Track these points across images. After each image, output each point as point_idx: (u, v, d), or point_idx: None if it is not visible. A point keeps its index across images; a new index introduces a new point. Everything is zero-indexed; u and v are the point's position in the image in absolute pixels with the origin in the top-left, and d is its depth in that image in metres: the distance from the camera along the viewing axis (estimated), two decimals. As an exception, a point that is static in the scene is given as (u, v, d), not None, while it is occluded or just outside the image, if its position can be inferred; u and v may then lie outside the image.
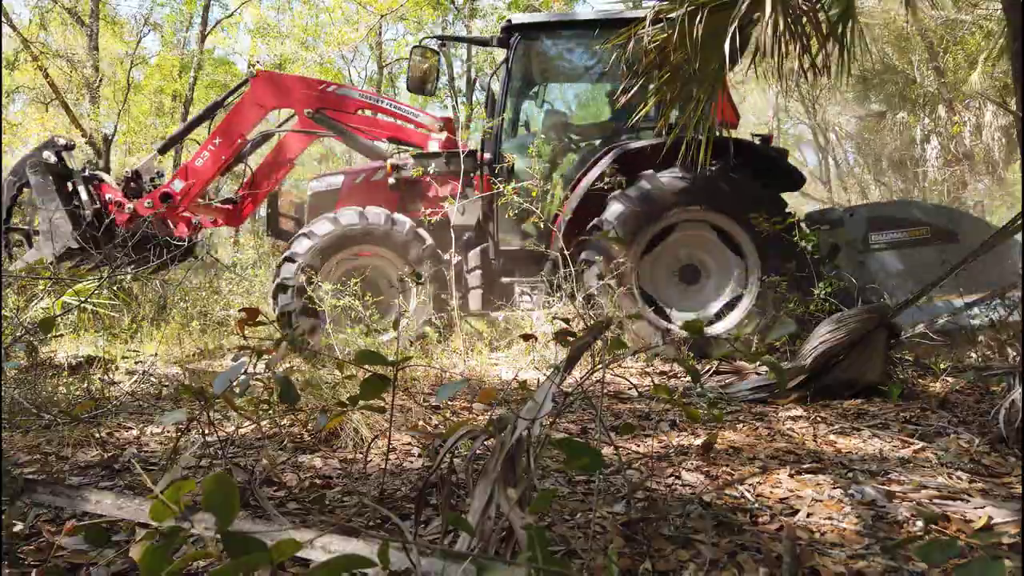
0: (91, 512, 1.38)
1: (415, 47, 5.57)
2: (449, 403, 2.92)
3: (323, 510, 1.64)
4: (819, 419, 2.57)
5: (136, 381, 3.69)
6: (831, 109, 15.48)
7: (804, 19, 3.24)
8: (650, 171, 4.75)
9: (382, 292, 5.24)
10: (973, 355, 3.74)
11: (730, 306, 4.87)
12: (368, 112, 5.98)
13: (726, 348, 1.48)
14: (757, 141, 5.10)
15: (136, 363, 4.02)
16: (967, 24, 11.62)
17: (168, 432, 2.51)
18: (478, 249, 5.27)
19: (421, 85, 5.56)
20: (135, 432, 2.54)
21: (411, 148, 5.84)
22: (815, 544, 1.40)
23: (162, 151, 6.43)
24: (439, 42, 5.76)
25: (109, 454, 2.17)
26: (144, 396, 3.34)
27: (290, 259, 4.99)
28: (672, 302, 4.88)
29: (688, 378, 2.74)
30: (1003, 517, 1.52)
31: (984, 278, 4.28)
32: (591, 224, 4.77)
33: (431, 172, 5.46)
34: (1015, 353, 3.25)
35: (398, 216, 5.18)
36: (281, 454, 2.16)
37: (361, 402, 1.45)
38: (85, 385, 3.24)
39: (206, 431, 2.00)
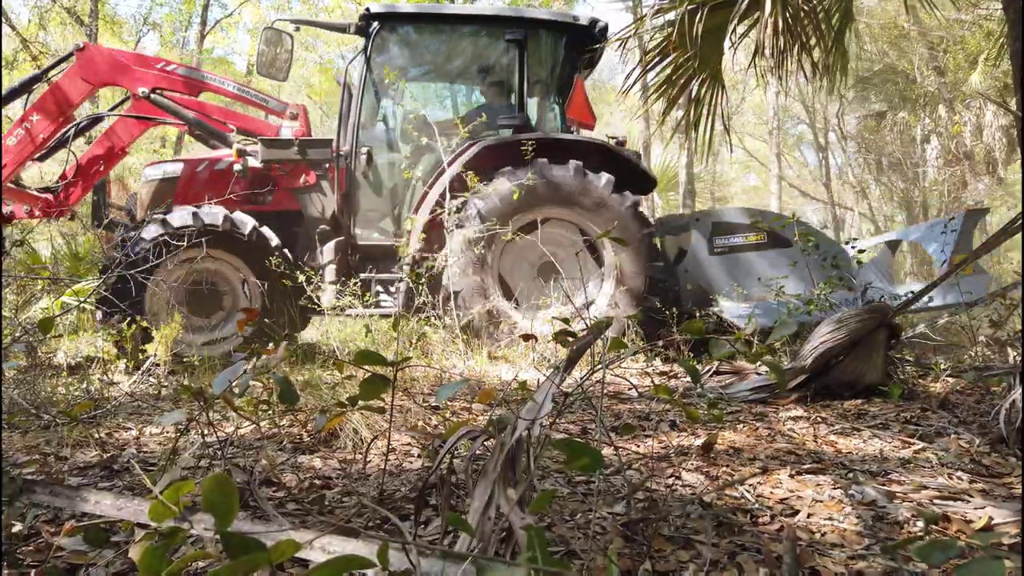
0: (90, 513, 1.38)
1: (265, 28, 5.27)
2: (449, 403, 2.92)
3: (322, 511, 1.64)
4: (819, 419, 2.57)
5: (135, 381, 3.69)
6: (831, 109, 15.51)
7: (804, 18, 3.23)
8: (508, 168, 4.75)
9: (220, 299, 4.93)
10: (971, 355, 3.74)
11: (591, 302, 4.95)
12: (213, 95, 5.54)
13: (726, 348, 1.47)
14: (613, 143, 5.15)
15: (135, 364, 4.01)
16: (967, 24, 11.62)
17: (167, 432, 2.51)
18: (332, 243, 5.00)
19: (272, 69, 5.26)
20: (134, 432, 2.53)
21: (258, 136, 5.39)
22: (815, 545, 1.40)
23: None
24: (293, 25, 5.44)
25: (108, 454, 2.17)
26: (143, 396, 3.34)
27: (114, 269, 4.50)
28: (531, 298, 4.88)
29: (688, 378, 2.74)
30: (1003, 517, 1.52)
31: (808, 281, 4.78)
32: (450, 223, 4.70)
33: (282, 161, 5.11)
34: (1015, 353, 3.24)
35: (266, 230, 4.82)
36: (280, 455, 2.15)
37: (360, 402, 1.45)
38: (84, 385, 3.24)
39: (205, 431, 2.00)
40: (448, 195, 4.75)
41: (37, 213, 5.55)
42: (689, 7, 3.33)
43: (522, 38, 5.19)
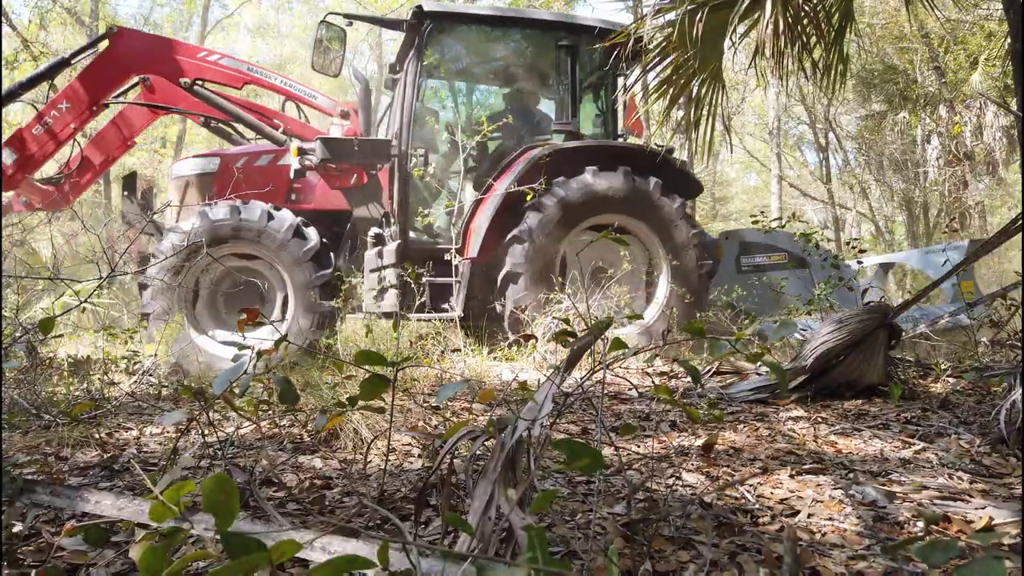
0: (91, 513, 1.38)
1: (322, 22, 5.09)
2: (449, 404, 2.92)
3: (323, 511, 1.64)
4: (820, 420, 2.57)
5: (136, 381, 3.69)
6: (831, 109, 15.51)
7: (804, 18, 3.23)
8: (591, 167, 4.81)
9: (262, 295, 4.82)
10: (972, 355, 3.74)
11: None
12: (257, 91, 5.42)
13: (726, 349, 1.48)
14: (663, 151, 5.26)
15: (136, 364, 4.01)
16: (968, 24, 11.61)
17: (168, 432, 2.51)
18: (394, 246, 4.86)
19: (325, 64, 5.14)
20: (135, 432, 2.54)
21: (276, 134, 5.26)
22: (816, 545, 1.40)
23: None
24: (346, 20, 5.28)
25: (109, 455, 2.17)
26: (144, 396, 3.34)
27: (154, 255, 4.53)
28: (579, 303, 4.93)
29: (689, 378, 2.74)
30: (1004, 518, 1.51)
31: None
32: (513, 233, 4.70)
33: (332, 161, 4.97)
34: (1015, 354, 3.24)
35: (280, 212, 4.67)
36: (281, 455, 2.15)
37: (361, 402, 1.45)
38: (85, 385, 3.24)
39: (206, 431, 2.00)
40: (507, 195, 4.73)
41: (37, 205, 5.26)
42: (689, 7, 3.32)
43: (575, 44, 5.20)
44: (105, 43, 5.03)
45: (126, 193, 5.35)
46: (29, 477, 1.74)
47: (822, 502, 1.65)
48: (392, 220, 5.04)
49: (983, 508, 1.58)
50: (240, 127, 5.65)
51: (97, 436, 2.35)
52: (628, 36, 3.67)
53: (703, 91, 3.69)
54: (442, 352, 4.32)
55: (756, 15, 3.28)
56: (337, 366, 3.17)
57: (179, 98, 5.19)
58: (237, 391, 1.60)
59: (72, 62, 5.20)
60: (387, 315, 4.86)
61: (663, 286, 5.01)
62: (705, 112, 3.74)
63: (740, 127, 19.32)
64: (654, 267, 5.10)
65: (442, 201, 5.21)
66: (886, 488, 1.72)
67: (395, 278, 4.80)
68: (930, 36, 12.38)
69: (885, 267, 6.13)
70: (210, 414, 1.91)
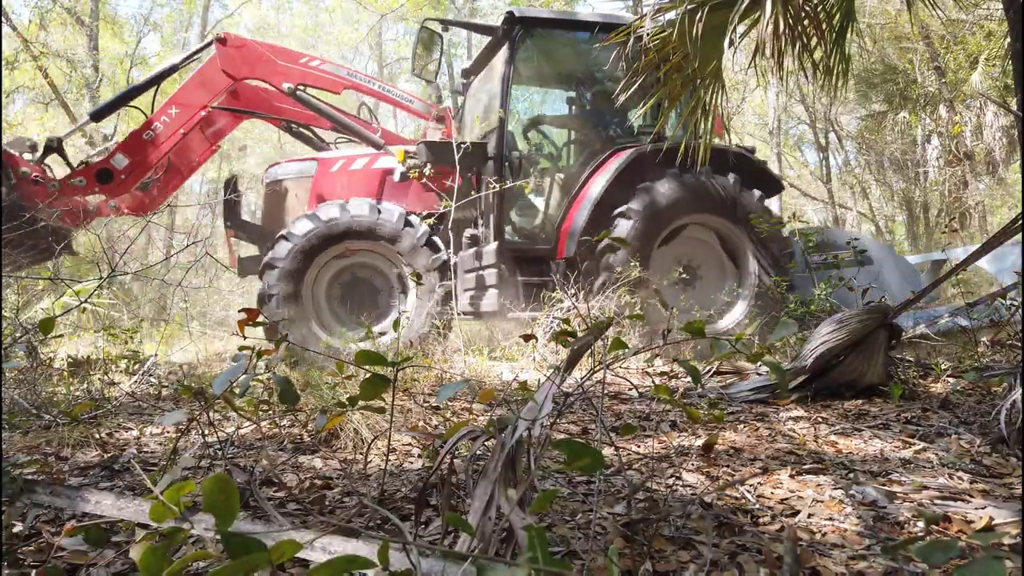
0: (91, 513, 1.38)
1: (423, 27, 5.21)
2: (449, 404, 2.92)
3: (323, 511, 1.64)
4: (820, 420, 2.57)
5: (136, 381, 3.69)
6: (832, 109, 15.50)
7: (805, 18, 3.23)
8: (677, 170, 4.89)
9: (378, 291, 4.99)
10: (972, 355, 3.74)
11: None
12: (357, 94, 5.53)
13: (727, 348, 1.50)
14: (743, 151, 5.35)
15: (136, 364, 4.02)
16: (968, 24, 11.61)
17: (168, 432, 2.51)
18: (494, 247, 4.93)
19: (425, 69, 5.26)
20: (135, 432, 2.54)
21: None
22: (816, 545, 1.40)
23: (96, 117, 5.33)
24: (442, 25, 5.43)
25: (109, 455, 2.17)
26: (144, 396, 3.34)
27: (270, 265, 4.68)
28: (671, 302, 5.02)
29: (689, 379, 2.74)
30: (1004, 518, 1.51)
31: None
32: (605, 234, 4.78)
33: (434, 164, 5.05)
34: (1015, 354, 3.24)
35: (385, 204, 4.83)
36: (281, 455, 2.15)
37: (361, 402, 1.45)
38: (85, 385, 3.24)
39: (206, 432, 2.00)
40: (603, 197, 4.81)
41: (124, 209, 5.34)
42: (689, 6, 3.31)
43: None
44: (212, 49, 5.15)
45: (227, 196, 5.41)
46: (29, 477, 1.73)
47: (822, 502, 1.65)
48: (487, 221, 5.08)
49: (983, 508, 1.58)
50: (320, 131, 5.79)
51: (97, 436, 2.35)
52: (629, 34, 3.67)
53: (703, 91, 3.69)
54: (442, 352, 4.32)
55: (756, 15, 3.27)
56: (337, 366, 3.16)
57: (262, 103, 5.35)
58: (237, 391, 1.60)
59: (180, 66, 5.36)
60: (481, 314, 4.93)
61: (750, 284, 5.14)
62: (705, 112, 3.74)
63: (740, 127, 19.31)
64: (740, 265, 5.22)
65: (534, 203, 5.27)
66: (886, 488, 1.72)
67: (495, 278, 4.83)
68: (930, 36, 12.38)
69: (938, 264, 6.20)
70: (210, 414, 1.91)
